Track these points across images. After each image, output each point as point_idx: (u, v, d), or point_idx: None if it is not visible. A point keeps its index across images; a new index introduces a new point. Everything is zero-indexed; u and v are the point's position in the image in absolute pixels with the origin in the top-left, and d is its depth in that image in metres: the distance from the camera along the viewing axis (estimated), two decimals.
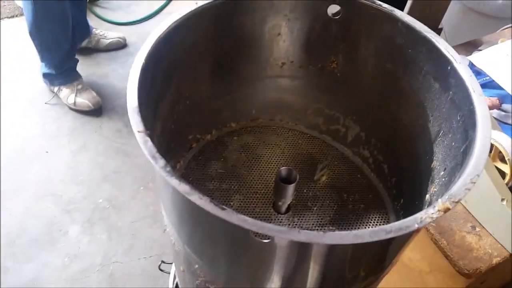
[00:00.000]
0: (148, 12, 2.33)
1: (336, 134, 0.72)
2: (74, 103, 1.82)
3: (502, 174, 0.73)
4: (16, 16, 2.30)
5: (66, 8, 1.63)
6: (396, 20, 0.52)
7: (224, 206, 0.35)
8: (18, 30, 2.18)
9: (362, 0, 0.53)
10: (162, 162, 0.38)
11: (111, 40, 2.05)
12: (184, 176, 0.66)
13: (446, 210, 0.35)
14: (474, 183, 0.37)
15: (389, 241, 0.34)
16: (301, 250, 0.37)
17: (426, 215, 0.35)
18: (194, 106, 0.63)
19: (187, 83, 0.58)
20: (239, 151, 0.71)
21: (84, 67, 2.00)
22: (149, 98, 0.47)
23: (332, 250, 0.37)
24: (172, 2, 2.42)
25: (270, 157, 0.71)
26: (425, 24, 1.11)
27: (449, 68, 0.48)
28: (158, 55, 0.48)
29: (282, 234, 0.34)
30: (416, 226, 0.34)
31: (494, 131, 0.74)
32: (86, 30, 1.98)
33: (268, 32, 0.59)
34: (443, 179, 0.48)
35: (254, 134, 0.74)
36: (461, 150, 0.45)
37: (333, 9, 0.55)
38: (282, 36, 0.60)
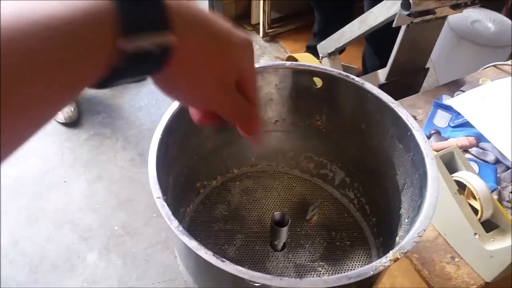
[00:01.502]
0: None
1: (325, 177, 0.83)
2: None
3: (475, 210, 0.82)
4: None
5: None
6: (366, 91, 0.63)
7: (223, 259, 0.46)
8: None
9: (339, 75, 0.64)
10: (175, 223, 0.49)
11: None
12: (194, 218, 0.76)
13: (396, 259, 0.46)
14: (421, 236, 0.47)
15: (351, 285, 0.45)
16: None
17: (380, 264, 0.45)
18: (201, 159, 0.74)
19: (196, 144, 0.69)
20: (241, 194, 0.82)
21: (101, 100, 2.14)
22: (164, 163, 0.58)
23: None
24: None
25: (267, 199, 0.81)
26: (412, 64, 1.22)
27: (409, 133, 0.59)
28: (171, 128, 0.59)
29: (268, 281, 0.44)
30: (371, 273, 0.45)
31: (467, 173, 0.84)
32: None
33: (262, 98, 0.70)
34: (407, 226, 0.58)
35: (253, 178, 0.84)
36: (418, 204, 0.55)
37: (316, 81, 0.66)
38: (274, 101, 0.72)
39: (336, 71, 0.65)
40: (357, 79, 0.64)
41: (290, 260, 0.72)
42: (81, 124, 2.08)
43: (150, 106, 2.18)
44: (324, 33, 1.94)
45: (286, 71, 0.68)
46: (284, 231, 0.67)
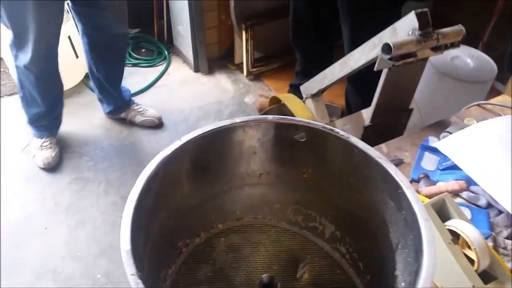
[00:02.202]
0: (144, 84, 2.46)
1: (314, 230, 0.79)
2: (33, 156, 2.00)
3: (471, 260, 0.79)
4: (15, 93, 2.42)
5: (44, 77, 1.80)
6: (352, 146, 0.61)
7: None
8: (17, 107, 2.30)
9: (323, 129, 0.62)
10: None
11: (146, 118, 2.20)
12: (175, 282, 0.71)
13: None
14: None
15: None
16: None
17: None
18: (182, 217, 0.70)
19: (175, 201, 0.65)
20: (226, 252, 0.77)
21: (83, 142, 2.10)
22: (141, 228, 0.54)
23: None
24: (165, 75, 2.56)
25: (255, 256, 0.77)
26: (396, 105, 1.21)
27: (399, 191, 0.56)
28: (147, 188, 0.56)
29: None
30: None
31: (461, 221, 0.81)
32: (121, 104, 2.16)
33: (245, 151, 0.68)
34: None
35: (240, 233, 0.80)
36: (414, 268, 0.51)
37: (299, 135, 0.64)
38: (258, 154, 0.69)
39: (320, 124, 0.63)
40: (342, 133, 0.62)
41: None
42: (63, 168, 2.02)
43: (133, 148, 2.14)
44: (306, 72, 1.95)
45: (268, 125, 0.65)
46: None
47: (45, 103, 1.88)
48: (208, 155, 0.67)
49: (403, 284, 0.56)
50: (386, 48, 0.97)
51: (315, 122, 0.63)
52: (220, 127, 0.63)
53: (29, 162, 2.02)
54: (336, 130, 0.62)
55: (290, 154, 0.69)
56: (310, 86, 1.45)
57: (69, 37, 2.19)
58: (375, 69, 1.04)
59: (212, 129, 0.63)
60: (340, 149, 0.63)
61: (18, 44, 1.67)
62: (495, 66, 1.92)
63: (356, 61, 1.17)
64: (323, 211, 0.76)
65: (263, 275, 0.61)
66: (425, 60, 1.10)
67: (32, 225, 1.80)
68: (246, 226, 0.81)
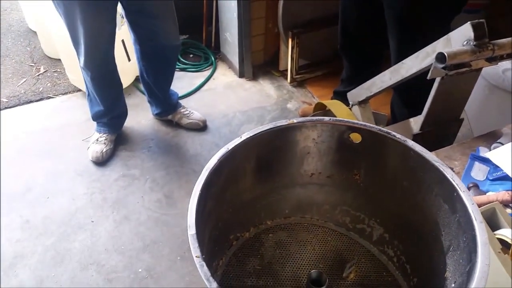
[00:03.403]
0: (190, 88, 2.54)
1: (362, 232, 0.80)
2: (88, 148, 2.11)
3: None
4: (70, 92, 2.55)
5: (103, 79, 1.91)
6: (408, 149, 0.62)
7: None
8: (73, 105, 2.43)
9: (379, 132, 0.64)
10: (215, 284, 0.48)
11: (191, 121, 2.28)
12: (226, 272, 0.75)
13: None
14: None
15: None
16: None
17: None
18: (236, 212, 0.74)
19: (232, 196, 0.69)
20: (274, 247, 0.80)
21: (133, 142, 2.20)
22: (202, 219, 0.58)
23: None
24: (210, 79, 2.63)
25: (302, 254, 0.79)
26: (447, 115, 1.20)
27: (455, 194, 0.57)
28: (210, 182, 0.59)
29: None
30: None
31: (510, 230, 0.80)
32: (169, 107, 2.25)
33: (300, 151, 0.70)
34: None
35: (287, 231, 0.83)
36: (467, 269, 0.52)
37: (355, 136, 0.65)
38: (311, 154, 0.71)
39: (376, 127, 0.65)
40: (398, 136, 0.63)
41: None
42: (112, 164, 2.11)
43: (178, 149, 2.21)
44: (352, 80, 1.96)
45: (325, 126, 0.68)
46: None
47: (104, 103, 2.00)
48: (264, 153, 0.70)
49: (453, 285, 0.56)
50: (441, 57, 0.97)
51: (371, 125, 0.65)
52: (278, 126, 0.66)
53: (81, 158, 2.12)
54: (393, 133, 0.63)
55: (343, 156, 0.71)
56: (358, 93, 1.46)
57: (122, 40, 2.29)
58: (428, 77, 1.04)
59: (271, 128, 0.66)
60: (395, 152, 0.65)
61: (75, 46, 1.78)
62: None
63: (407, 70, 1.17)
64: (372, 214, 0.77)
65: (312, 271, 0.63)
66: (479, 70, 1.09)
67: (79, 218, 1.89)
68: (293, 225, 0.84)
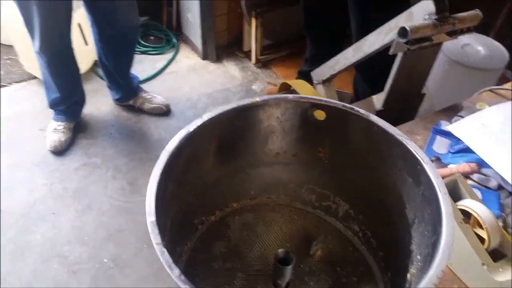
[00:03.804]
0: (152, 72, 2.46)
1: (328, 209, 0.80)
2: (45, 138, 2.03)
3: (482, 239, 0.79)
4: (24, 80, 2.42)
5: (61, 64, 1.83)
6: (372, 124, 0.61)
7: None
8: (29, 93, 2.31)
9: (343, 108, 0.62)
10: (177, 271, 0.46)
11: (154, 105, 2.20)
12: (191, 258, 0.72)
13: None
14: (440, 278, 0.44)
15: None
16: None
17: None
18: (199, 195, 0.71)
19: (195, 179, 0.66)
20: (241, 229, 0.78)
21: (93, 129, 2.11)
22: (163, 203, 0.55)
23: None
24: (173, 62, 2.56)
25: (269, 234, 0.78)
26: (409, 90, 1.21)
27: (418, 167, 0.57)
28: (170, 165, 0.56)
29: None
30: None
31: (472, 201, 0.81)
32: (130, 91, 2.17)
33: (264, 130, 0.68)
34: (419, 264, 0.55)
35: (253, 212, 0.81)
36: (432, 241, 0.52)
37: (318, 114, 0.64)
38: (276, 133, 0.69)
39: (340, 103, 0.64)
40: (362, 111, 0.62)
41: None
42: (71, 153, 2.03)
43: (141, 135, 2.15)
44: (316, 59, 1.95)
45: (288, 104, 0.66)
46: (289, 269, 0.63)
47: (61, 90, 1.90)
48: (228, 133, 0.67)
49: (418, 257, 0.56)
50: (403, 31, 0.97)
51: (334, 101, 0.64)
52: (241, 105, 0.64)
53: (38, 148, 2.03)
54: (356, 109, 0.62)
55: (307, 134, 0.70)
56: (322, 72, 1.45)
57: (79, 24, 2.19)
58: (390, 52, 1.04)
59: (233, 108, 0.63)
60: (359, 127, 0.64)
61: (29, 30, 1.67)
62: (506, 54, 1.91)
63: (370, 46, 1.17)
64: (337, 190, 0.76)
65: (279, 250, 0.62)
66: (439, 45, 1.10)
67: (40, 209, 1.81)
68: (260, 206, 0.82)
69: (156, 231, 0.48)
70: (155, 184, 0.52)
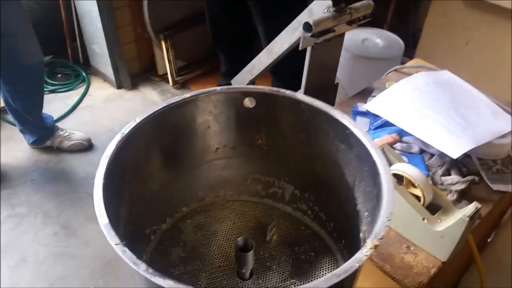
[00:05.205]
0: (65, 109, 2.35)
1: (275, 196, 0.83)
2: None
3: (417, 197, 0.87)
4: None
5: None
6: (299, 102, 0.65)
7: None
8: None
9: (271, 92, 0.66)
10: (143, 266, 0.45)
11: (73, 142, 2.09)
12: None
13: (375, 246, 0.46)
14: (390, 220, 0.49)
15: (341, 282, 0.44)
16: None
17: (362, 254, 0.46)
18: (146, 203, 0.70)
19: (138, 188, 0.66)
20: (195, 231, 0.78)
21: (9, 176, 1.95)
22: (111, 216, 0.54)
23: None
24: (86, 96, 2.47)
25: (223, 230, 0.79)
26: (323, 82, 1.29)
27: (347, 132, 0.62)
28: (111, 173, 0.56)
29: None
30: (357, 265, 0.45)
31: (402, 164, 0.89)
32: (45, 132, 2.05)
33: (199, 127, 0.70)
34: (368, 219, 0.60)
35: (204, 213, 0.82)
36: (375, 194, 0.57)
37: (249, 102, 0.67)
38: (212, 128, 0.71)
39: (267, 88, 0.67)
40: (288, 92, 0.67)
41: (261, 286, 0.70)
42: None
43: (65, 175, 2.04)
44: (232, 72, 2.01)
45: (218, 96, 0.68)
46: (250, 256, 0.65)
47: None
48: (164, 135, 0.68)
49: (366, 213, 0.61)
50: (307, 26, 1.04)
51: (262, 87, 0.67)
52: (172, 103, 0.65)
53: None
54: (282, 90, 0.66)
55: (243, 124, 0.73)
56: (241, 79, 1.50)
57: None
58: (300, 48, 1.11)
59: (165, 106, 0.64)
60: (288, 108, 0.68)
61: None
62: (402, 43, 2.12)
63: (280, 47, 1.24)
64: (280, 174, 0.80)
65: (238, 239, 0.63)
66: (342, 35, 1.20)
67: None
68: (209, 205, 0.83)
69: (112, 232, 0.47)
70: (100, 190, 0.51)
